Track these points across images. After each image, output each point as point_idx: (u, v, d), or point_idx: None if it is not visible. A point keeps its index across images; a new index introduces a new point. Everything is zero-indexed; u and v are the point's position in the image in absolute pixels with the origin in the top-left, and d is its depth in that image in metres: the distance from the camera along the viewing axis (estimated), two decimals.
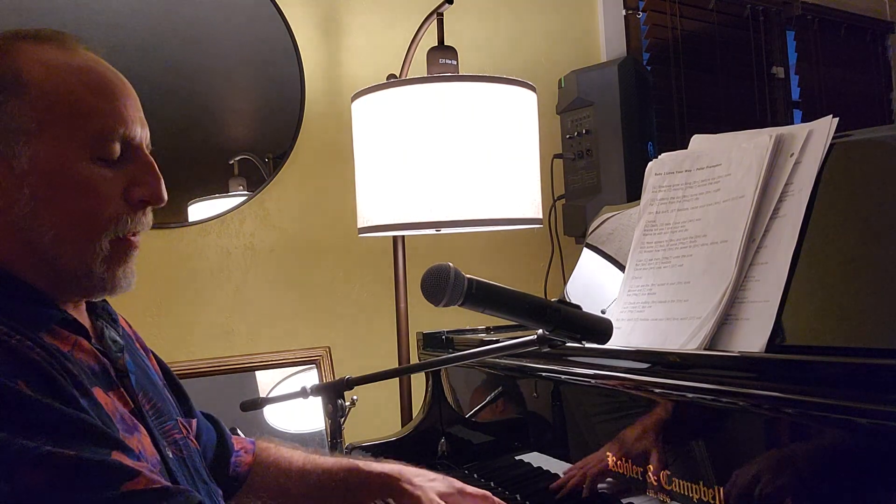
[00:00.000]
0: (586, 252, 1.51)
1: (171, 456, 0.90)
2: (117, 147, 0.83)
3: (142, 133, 0.87)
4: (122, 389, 0.88)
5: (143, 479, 0.71)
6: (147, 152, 0.87)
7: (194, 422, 1.05)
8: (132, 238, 0.86)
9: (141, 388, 0.92)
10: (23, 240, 0.81)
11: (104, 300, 0.95)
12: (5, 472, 0.65)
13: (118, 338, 0.93)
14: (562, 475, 1.19)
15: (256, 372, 1.96)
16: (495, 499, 1.09)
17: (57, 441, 0.68)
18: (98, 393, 0.81)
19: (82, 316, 0.90)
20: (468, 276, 0.95)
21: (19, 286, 0.81)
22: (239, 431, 1.25)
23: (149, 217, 0.88)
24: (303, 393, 1.20)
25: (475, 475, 1.47)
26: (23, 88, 0.80)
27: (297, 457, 1.13)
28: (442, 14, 1.86)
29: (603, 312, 1.24)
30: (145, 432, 0.87)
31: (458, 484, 1.09)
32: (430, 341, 1.67)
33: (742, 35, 3.11)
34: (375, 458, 1.41)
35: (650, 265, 1.20)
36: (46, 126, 0.80)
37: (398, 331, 1.94)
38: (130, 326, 1.05)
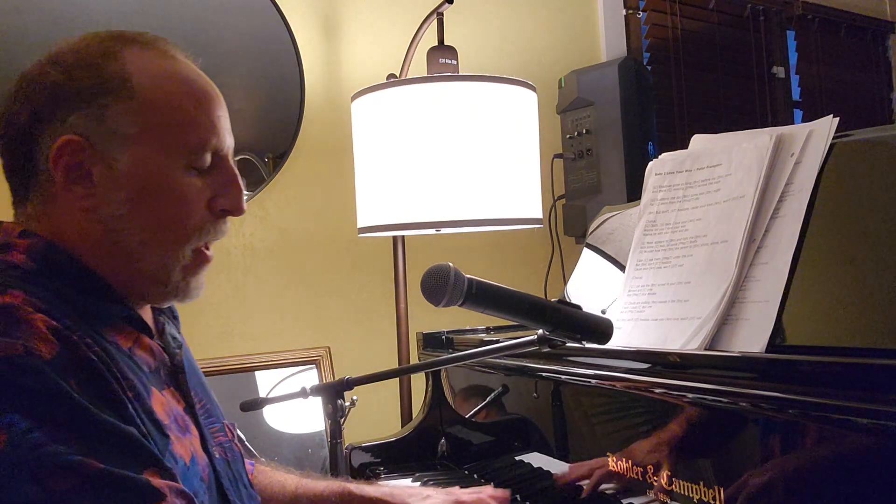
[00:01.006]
0: (586, 252, 1.50)
1: (217, 457, 0.91)
2: (209, 157, 0.86)
3: (229, 143, 0.90)
4: (176, 387, 0.89)
5: None
6: (232, 163, 0.90)
7: (236, 425, 1.05)
8: (208, 252, 0.89)
9: (192, 387, 0.93)
10: (108, 239, 0.83)
11: None
12: (35, 474, 0.65)
13: (177, 334, 0.96)
14: (562, 475, 1.19)
15: (256, 372, 1.96)
16: (491, 492, 1.08)
17: (91, 450, 0.68)
18: (154, 393, 0.83)
19: (146, 311, 0.92)
20: (468, 276, 0.95)
21: (93, 279, 0.83)
22: (239, 432, 1.24)
23: (227, 226, 0.91)
24: (303, 393, 1.20)
25: (475, 475, 1.47)
26: (129, 94, 0.82)
27: (290, 481, 1.14)
28: (442, 14, 1.86)
29: (603, 312, 1.24)
30: (196, 433, 0.88)
31: (455, 493, 1.09)
32: (430, 341, 1.67)
33: (742, 35, 3.11)
34: (368, 480, 1.41)
35: (650, 265, 1.20)
36: (148, 132, 0.82)
37: (398, 331, 1.94)
38: None
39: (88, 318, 0.78)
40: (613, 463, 1.04)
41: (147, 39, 0.87)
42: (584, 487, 1.11)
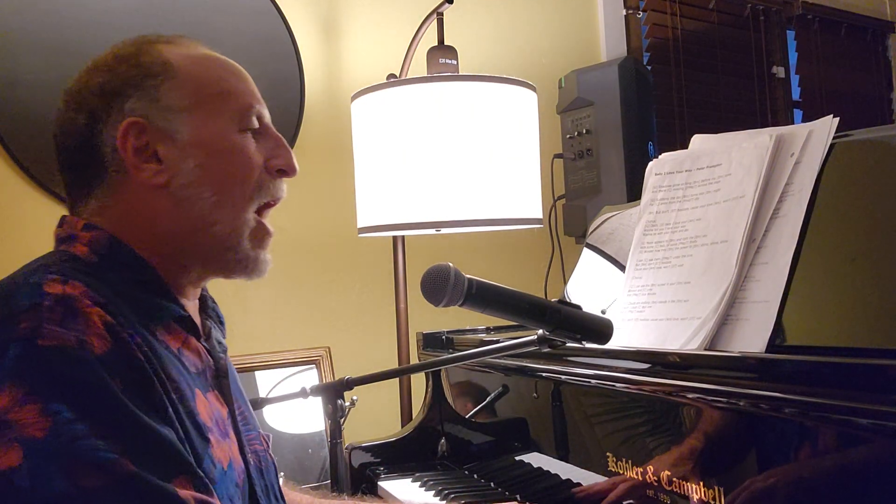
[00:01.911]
0: (586, 252, 1.50)
1: (252, 464, 0.92)
2: (255, 121, 0.93)
3: (268, 113, 0.98)
4: (219, 391, 0.92)
5: None
6: (274, 129, 0.97)
7: (271, 437, 1.07)
8: (268, 226, 0.94)
9: (233, 393, 0.95)
10: (180, 211, 0.87)
11: (215, 303, 1.02)
12: (69, 468, 0.66)
13: (223, 339, 0.98)
14: (561, 476, 1.19)
15: (256, 372, 1.96)
16: None
17: (127, 449, 0.68)
18: (198, 395, 0.84)
19: (195, 314, 0.95)
20: (468, 276, 0.95)
21: (150, 275, 0.86)
22: None
23: (284, 188, 0.97)
24: (303, 393, 1.20)
25: (475, 475, 1.47)
26: (172, 72, 0.88)
27: (305, 501, 1.14)
28: (442, 14, 1.86)
29: (603, 312, 1.24)
30: (234, 438, 0.90)
31: None
32: (430, 341, 1.67)
33: (742, 35, 3.11)
34: (382, 500, 1.41)
35: (650, 265, 1.20)
36: (199, 103, 0.88)
37: (398, 331, 1.94)
38: None
39: (142, 315, 0.81)
40: (613, 463, 1.04)
41: (169, 38, 0.93)
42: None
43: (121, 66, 0.87)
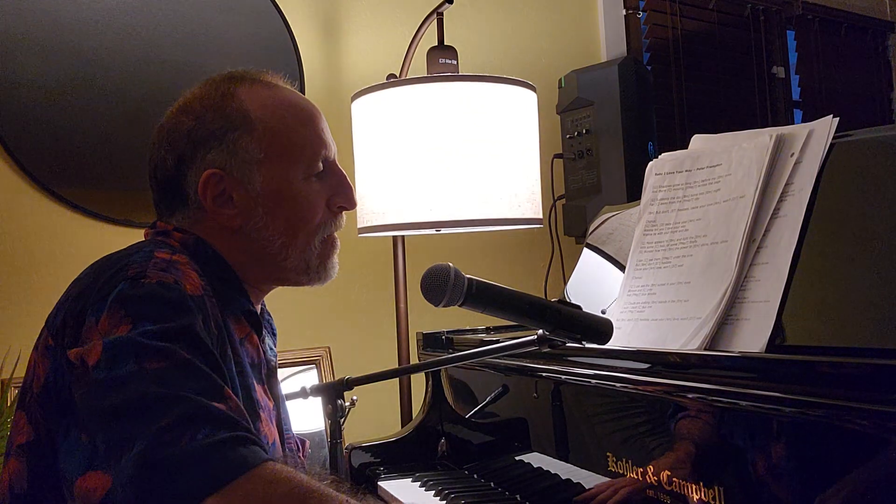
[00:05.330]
0: (586, 252, 1.50)
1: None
2: (321, 165, 1.04)
3: (334, 149, 1.08)
4: (268, 387, 1.03)
5: (222, 412, 0.76)
6: (339, 165, 1.08)
7: (308, 442, 1.17)
8: (334, 237, 1.07)
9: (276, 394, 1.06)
10: (254, 248, 1.00)
11: (270, 316, 1.15)
12: (137, 356, 0.76)
13: (273, 346, 1.11)
14: (561, 476, 1.19)
15: None
16: None
17: (186, 351, 0.79)
18: (254, 382, 0.96)
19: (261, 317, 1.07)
20: (468, 276, 0.95)
21: (231, 275, 1.00)
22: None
23: (344, 219, 1.08)
24: (303, 393, 1.20)
25: (475, 475, 1.47)
26: (251, 126, 0.99)
27: None
28: (442, 14, 1.86)
29: (603, 312, 1.24)
30: (276, 431, 1.00)
31: None
32: (430, 341, 1.67)
33: (742, 35, 3.11)
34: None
35: (650, 265, 1.20)
36: (271, 155, 0.99)
37: (398, 331, 1.94)
38: None
39: (219, 302, 0.92)
40: (613, 463, 1.04)
41: (253, 75, 1.05)
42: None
43: (207, 115, 0.99)
